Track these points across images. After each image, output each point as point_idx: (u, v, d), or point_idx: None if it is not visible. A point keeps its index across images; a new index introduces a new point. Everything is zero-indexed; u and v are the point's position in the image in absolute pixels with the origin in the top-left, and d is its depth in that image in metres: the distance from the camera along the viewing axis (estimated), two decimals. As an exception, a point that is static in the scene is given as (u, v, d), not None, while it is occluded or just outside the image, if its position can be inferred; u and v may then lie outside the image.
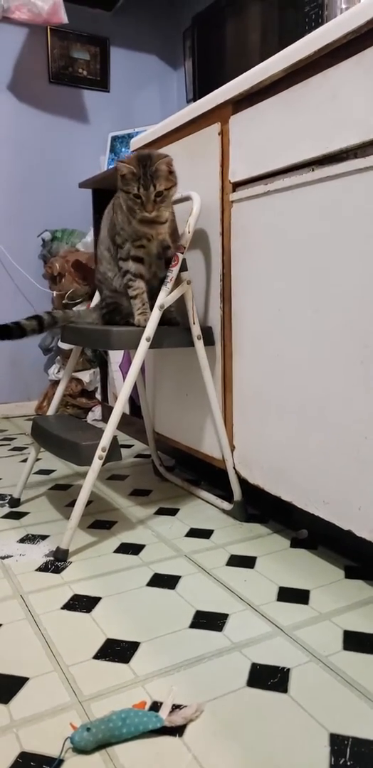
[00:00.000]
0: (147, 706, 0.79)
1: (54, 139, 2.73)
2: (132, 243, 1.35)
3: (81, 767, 0.69)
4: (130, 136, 2.49)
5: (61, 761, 0.70)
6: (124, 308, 1.44)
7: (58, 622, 1.00)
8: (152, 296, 1.37)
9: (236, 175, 1.29)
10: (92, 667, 0.88)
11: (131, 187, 1.26)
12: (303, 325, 1.13)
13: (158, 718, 0.74)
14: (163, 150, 1.58)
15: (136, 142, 1.73)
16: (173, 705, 0.78)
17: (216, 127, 1.34)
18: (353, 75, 0.96)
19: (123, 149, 2.52)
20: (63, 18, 2.35)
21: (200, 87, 2.34)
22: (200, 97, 1.69)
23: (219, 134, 1.34)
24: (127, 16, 2.81)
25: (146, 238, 1.34)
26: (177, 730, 0.74)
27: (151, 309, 1.34)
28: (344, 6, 1.52)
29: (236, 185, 1.30)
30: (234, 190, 1.31)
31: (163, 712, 0.75)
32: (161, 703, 0.78)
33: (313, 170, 1.07)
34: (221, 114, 1.34)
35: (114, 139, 2.55)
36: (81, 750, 0.71)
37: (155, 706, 0.78)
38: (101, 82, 2.78)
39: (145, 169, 1.25)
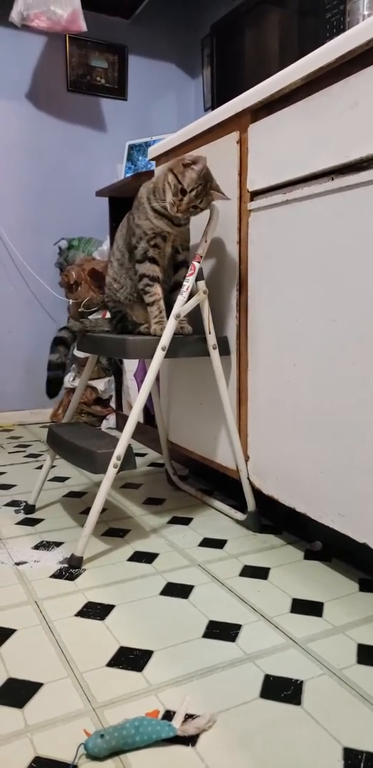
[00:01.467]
0: (160, 715, 0.78)
1: (71, 148, 2.76)
2: (148, 242, 1.36)
3: (94, 775, 0.69)
4: (147, 144, 2.52)
5: (74, 767, 0.70)
6: (128, 317, 1.45)
7: (72, 629, 1.00)
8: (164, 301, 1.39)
9: (254, 184, 1.29)
10: (106, 675, 0.88)
11: (185, 179, 1.27)
12: (320, 336, 1.12)
13: (171, 727, 0.74)
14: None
15: (153, 151, 1.74)
16: (186, 714, 0.77)
17: (235, 136, 1.35)
18: None
19: (140, 157, 2.54)
20: (82, 26, 2.38)
21: (218, 95, 2.35)
22: (218, 105, 1.70)
23: (238, 143, 1.34)
24: (145, 24, 2.84)
25: (161, 237, 1.35)
26: (190, 740, 0.74)
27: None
28: (366, 12, 1.51)
29: (254, 194, 1.31)
30: (252, 199, 1.31)
31: (176, 722, 0.75)
32: (174, 713, 0.78)
33: (332, 179, 1.07)
34: (239, 122, 1.35)
35: (131, 147, 2.57)
36: (94, 756, 0.71)
37: (168, 715, 0.78)
38: (119, 91, 2.81)
39: (205, 187, 1.29)
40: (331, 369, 1.10)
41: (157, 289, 1.38)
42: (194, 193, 1.27)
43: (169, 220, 1.34)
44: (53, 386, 1.50)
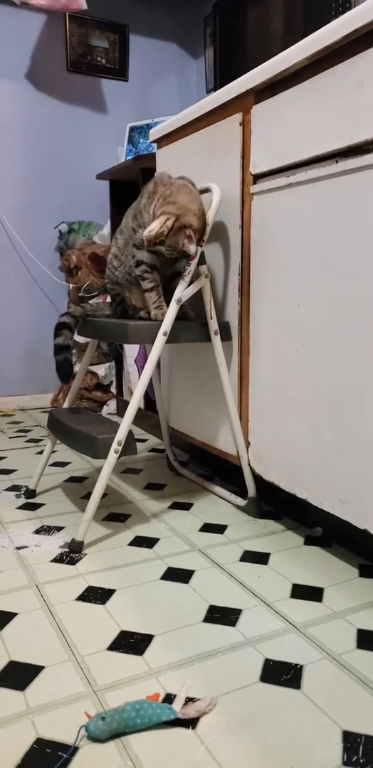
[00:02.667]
0: (161, 698, 0.79)
1: (71, 129, 2.73)
2: None
3: (95, 755, 0.70)
4: (148, 126, 2.48)
5: (76, 749, 0.71)
6: (127, 301, 1.44)
7: (73, 613, 1.01)
8: (163, 289, 1.37)
9: (257, 166, 1.27)
10: (107, 658, 0.88)
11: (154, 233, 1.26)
12: (323, 321, 1.11)
13: (172, 710, 0.75)
14: (183, 141, 1.57)
15: (155, 133, 1.72)
16: (187, 698, 0.78)
17: (237, 118, 1.33)
18: (379, 67, 0.94)
19: (141, 140, 2.51)
20: (82, 4, 2.34)
21: (221, 76, 2.32)
22: (221, 86, 1.67)
23: (240, 125, 1.32)
24: (146, 2, 2.79)
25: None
26: (190, 723, 0.75)
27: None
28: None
29: (257, 177, 1.29)
30: (255, 182, 1.30)
31: (177, 705, 0.76)
32: (175, 696, 0.78)
33: (337, 162, 1.05)
34: (242, 104, 1.33)
35: (132, 129, 2.54)
36: (96, 738, 0.72)
37: (169, 699, 0.79)
38: (120, 71, 2.77)
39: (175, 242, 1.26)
40: (333, 355, 1.09)
41: (156, 276, 1.36)
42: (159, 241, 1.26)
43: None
44: (64, 369, 1.46)
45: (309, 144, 1.11)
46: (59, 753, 0.70)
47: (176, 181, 1.36)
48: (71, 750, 0.70)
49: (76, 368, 2.58)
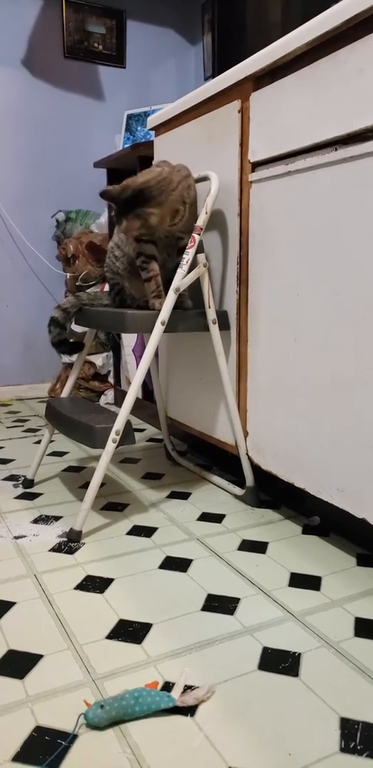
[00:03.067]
0: (159, 686, 0.79)
1: (68, 117, 2.70)
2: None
3: (94, 743, 0.70)
4: (146, 114, 2.46)
5: (75, 736, 0.71)
6: (126, 290, 1.43)
7: (72, 602, 1.01)
8: (165, 282, 1.36)
9: (255, 154, 1.26)
10: (105, 647, 0.88)
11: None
12: (322, 310, 1.11)
13: (170, 698, 0.75)
14: (181, 129, 1.56)
15: (152, 120, 1.70)
16: (185, 686, 0.78)
17: (236, 105, 1.32)
18: (379, 53, 0.93)
19: (139, 128, 2.49)
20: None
21: (219, 63, 2.29)
22: (219, 73, 1.65)
23: (239, 112, 1.31)
24: (144, -11, 2.76)
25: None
26: (189, 710, 0.75)
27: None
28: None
29: (256, 165, 1.28)
30: (253, 170, 1.29)
31: (176, 693, 0.76)
32: (173, 684, 0.79)
33: (336, 150, 1.05)
34: (241, 91, 1.32)
35: (130, 117, 2.52)
36: (95, 726, 0.72)
37: (167, 687, 0.79)
38: (117, 58, 2.74)
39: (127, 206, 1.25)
40: (332, 344, 1.09)
41: (154, 266, 1.36)
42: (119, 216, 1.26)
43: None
44: (61, 347, 1.50)
45: (308, 131, 1.10)
46: (58, 740, 0.70)
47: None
48: (70, 737, 0.71)
49: (74, 357, 2.58)
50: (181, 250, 1.37)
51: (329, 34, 1.04)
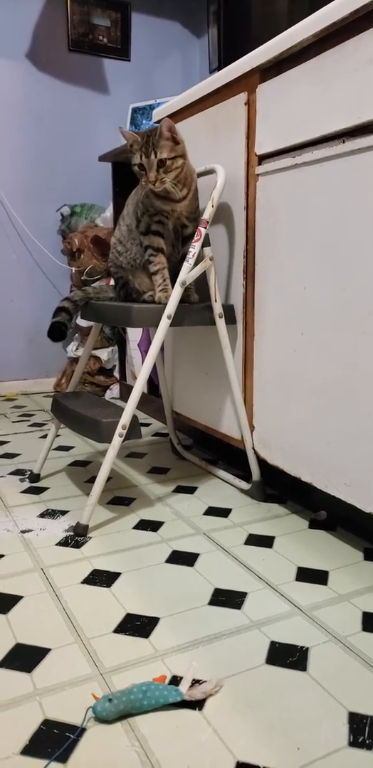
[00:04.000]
0: (167, 680, 0.79)
1: (73, 110, 2.69)
2: (150, 218, 1.33)
3: (103, 736, 0.70)
4: (151, 107, 2.45)
5: (83, 730, 0.71)
6: (130, 284, 1.43)
7: (79, 596, 1.01)
8: (171, 276, 1.36)
9: (262, 147, 1.25)
10: (113, 641, 0.89)
11: (135, 157, 1.26)
12: (329, 304, 1.10)
13: (178, 692, 0.75)
14: (187, 122, 1.55)
15: (158, 114, 1.69)
16: (193, 680, 0.78)
17: (242, 97, 1.31)
18: (388, 43, 0.92)
19: (144, 121, 2.48)
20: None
21: (225, 55, 2.27)
22: (225, 66, 1.64)
23: (245, 104, 1.30)
24: (149, -18, 2.74)
25: (163, 215, 1.33)
26: (197, 704, 0.75)
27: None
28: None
29: (262, 158, 1.27)
30: (260, 163, 1.28)
31: (183, 687, 0.76)
32: (181, 678, 0.79)
33: (344, 142, 1.04)
34: (247, 83, 1.30)
35: (135, 110, 2.50)
36: (103, 720, 0.72)
37: (175, 681, 0.79)
38: (122, 51, 2.73)
39: (149, 138, 1.25)
40: (339, 338, 1.08)
41: (162, 259, 1.35)
42: (144, 158, 1.24)
43: (166, 198, 1.30)
44: (56, 332, 1.45)
45: (316, 123, 1.09)
46: (67, 734, 0.71)
47: None
48: (79, 731, 0.71)
49: (79, 352, 2.57)
50: (186, 240, 1.37)
51: (336, 26, 1.03)
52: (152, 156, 1.24)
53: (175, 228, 1.36)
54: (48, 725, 0.72)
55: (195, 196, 1.36)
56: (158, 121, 1.70)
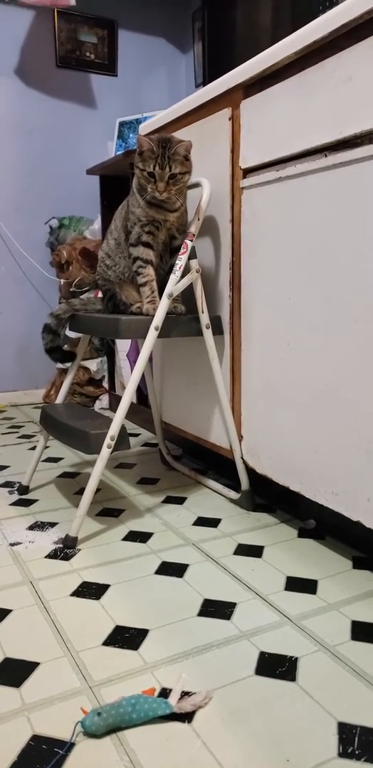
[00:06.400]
0: (156, 693, 0.79)
1: (61, 125, 2.71)
2: (142, 228, 1.34)
3: (92, 750, 0.70)
4: (138, 121, 2.47)
5: (72, 745, 0.71)
6: (118, 296, 1.44)
7: (68, 609, 1.01)
8: (159, 287, 1.37)
9: (246, 161, 1.27)
10: (102, 654, 0.88)
11: (147, 165, 1.28)
12: (314, 314, 1.12)
13: (168, 705, 0.75)
14: (173, 136, 1.56)
15: (144, 128, 1.71)
16: (182, 692, 0.78)
17: (227, 112, 1.33)
18: (370, 57, 0.94)
19: (131, 135, 2.50)
20: (70, 0, 2.32)
21: (210, 71, 2.31)
22: (210, 81, 1.67)
23: (230, 119, 1.32)
24: (135, -2, 2.78)
25: (154, 225, 1.34)
26: (186, 717, 0.75)
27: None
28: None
29: (247, 171, 1.29)
30: (245, 177, 1.30)
31: (173, 699, 0.76)
32: (170, 690, 0.79)
33: (326, 156, 1.05)
34: (231, 99, 1.33)
35: (122, 124, 2.52)
36: (92, 734, 0.72)
37: (164, 693, 0.79)
38: (109, 66, 2.75)
39: (165, 150, 1.27)
40: (325, 347, 1.10)
41: (150, 271, 1.36)
42: (158, 169, 1.27)
43: (161, 207, 1.32)
44: (61, 360, 1.57)
45: (299, 138, 1.11)
46: (55, 749, 0.70)
47: None
48: (67, 746, 0.71)
49: (68, 364, 2.57)
50: (174, 252, 1.38)
51: (317, 44, 1.05)
52: (166, 169, 1.27)
53: (165, 240, 1.38)
54: (37, 741, 0.71)
55: (186, 209, 1.38)
56: (150, 134, 1.72)
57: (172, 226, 1.35)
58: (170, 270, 1.38)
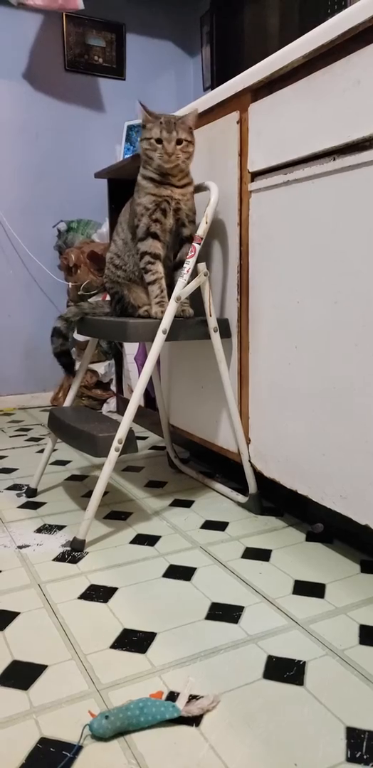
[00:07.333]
0: (164, 696, 0.79)
1: (69, 128, 2.72)
2: (149, 217, 1.34)
3: (100, 754, 0.70)
4: (146, 125, 2.47)
5: (80, 747, 0.71)
6: (126, 299, 1.44)
7: (76, 612, 1.01)
8: (167, 283, 1.37)
9: (255, 164, 1.27)
10: (109, 657, 0.88)
11: (154, 132, 1.31)
12: (322, 318, 1.12)
13: (175, 708, 0.75)
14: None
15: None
16: (190, 695, 0.78)
17: (235, 116, 1.33)
18: (376, 63, 0.94)
19: (139, 138, 2.50)
20: (79, 4, 2.34)
21: (218, 74, 2.31)
22: (218, 85, 1.67)
23: (238, 123, 1.32)
24: (143, 1, 2.79)
25: (161, 209, 1.34)
26: (194, 720, 0.75)
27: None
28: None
29: (255, 175, 1.29)
30: (253, 180, 1.30)
31: (181, 702, 0.76)
32: (178, 694, 0.79)
33: (334, 159, 1.05)
34: (239, 102, 1.33)
35: (130, 128, 2.53)
36: (99, 737, 0.72)
37: (172, 696, 0.79)
38: (117, 70, 2.77)
39: (170, 119, 1.32)
40: (333, 351, 1.09)
41: (159, 267, 1.36)
42: (164, 133, 1.30)
43: (168, 183, 1.33)
44: (69, 369, 1.56)
45: (307, 142, 1.11)
46: (63, 752, 0.70)
47: None
48: (75, 749, 0.71)
49: (76, 367, 2.58)
50: (183, 242, 1.38)
51: (325, 47, 1.05)
52: (173, 133, 1.30)
53: (172, 228, 1.37)
54: (45, 743, 0.72)
55: (193, 196, 1.39)
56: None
57: (179, 206, 1.35)
58: (177, 265, 1.37)
